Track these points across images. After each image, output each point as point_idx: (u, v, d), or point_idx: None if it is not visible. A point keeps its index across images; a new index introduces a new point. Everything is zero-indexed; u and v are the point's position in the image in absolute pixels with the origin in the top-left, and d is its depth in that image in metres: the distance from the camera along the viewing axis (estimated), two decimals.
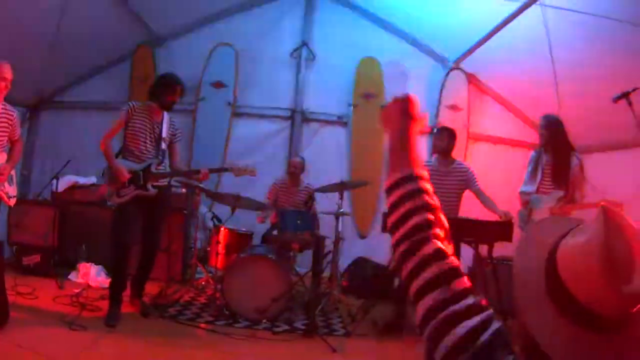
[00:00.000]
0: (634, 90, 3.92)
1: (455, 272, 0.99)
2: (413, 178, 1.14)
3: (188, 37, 7.50)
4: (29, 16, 5.29)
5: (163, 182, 4.72)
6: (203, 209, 6.49)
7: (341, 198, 5.27)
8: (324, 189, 5.43)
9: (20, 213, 5.58)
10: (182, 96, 4.75)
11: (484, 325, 0.91)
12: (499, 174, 6.93)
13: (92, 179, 6.28)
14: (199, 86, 7.19)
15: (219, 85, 7.21)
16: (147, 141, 4.55)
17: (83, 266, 5.46)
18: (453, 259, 1.01)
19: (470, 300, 0.94)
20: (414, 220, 1.07)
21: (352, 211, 7.04)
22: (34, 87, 6.92)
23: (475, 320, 0.91)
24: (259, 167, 5.14)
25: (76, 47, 6.30)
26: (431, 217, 1.08)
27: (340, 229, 5.17)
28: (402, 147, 1.20)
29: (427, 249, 1.02)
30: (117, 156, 4.54)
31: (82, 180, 6.12)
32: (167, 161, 4.79)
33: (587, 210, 4.53)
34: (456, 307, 0.93)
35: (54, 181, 5.93)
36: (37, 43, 5.75)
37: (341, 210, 5.20)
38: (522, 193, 5.11)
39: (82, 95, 7.43)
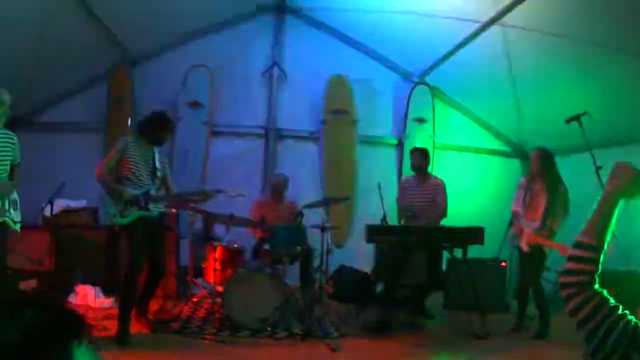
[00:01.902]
0: (584, 113, 4.55)
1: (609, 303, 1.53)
2: (596, 248, 1.59)
3: (162, 58, 7.56)
4: (4, 39, 5.32)
5: (162, 206, 4.97)
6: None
7: (327, 213, 5.66)
8: (311, 205, 5.75)
9: (13, 238, 5.61)
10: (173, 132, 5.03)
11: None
12: (466, 180, 7.53)
13: (83, 202, 6.39)
14: (175, 107, 7.27)
15: (195, 104, 7.34)
16: (143, 172, 4.76)
17: (81, 288, 5.61)
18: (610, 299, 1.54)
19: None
20: (581, 277, 1.58)
21: None
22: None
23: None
24: (236, 185, 5.47)
25: (52, 68, 6.39)
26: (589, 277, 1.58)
27: (328, 241, 5.53)
28: (605, 216, 1.59)
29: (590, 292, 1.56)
30: None
31: (73, 203, 6.23)
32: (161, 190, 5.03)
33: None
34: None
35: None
36: (13, 64, 5.71)
37: (328, 224, 5.57)
38: (515, 213, 5.51)
39: (59, 117, 7.30)
